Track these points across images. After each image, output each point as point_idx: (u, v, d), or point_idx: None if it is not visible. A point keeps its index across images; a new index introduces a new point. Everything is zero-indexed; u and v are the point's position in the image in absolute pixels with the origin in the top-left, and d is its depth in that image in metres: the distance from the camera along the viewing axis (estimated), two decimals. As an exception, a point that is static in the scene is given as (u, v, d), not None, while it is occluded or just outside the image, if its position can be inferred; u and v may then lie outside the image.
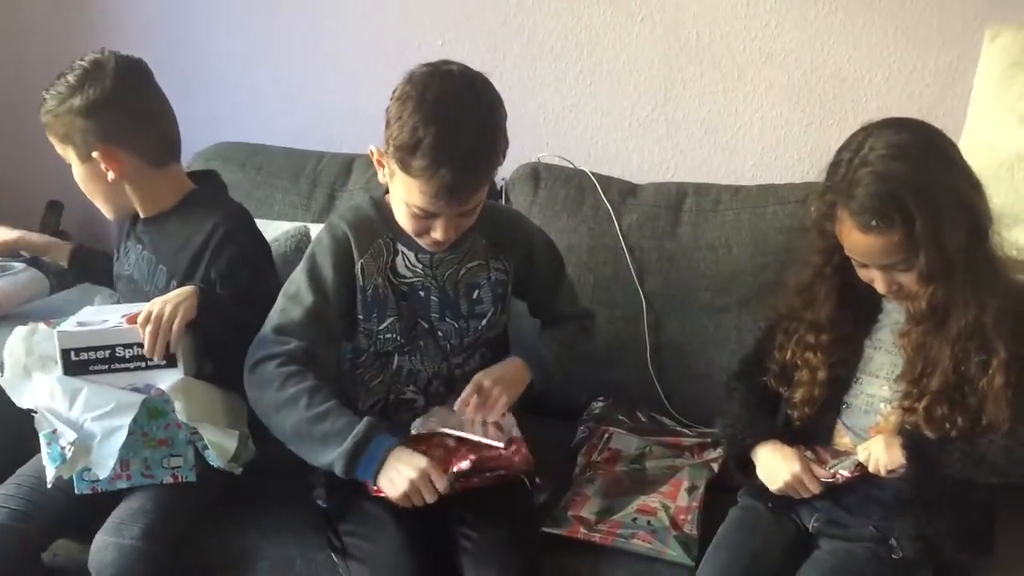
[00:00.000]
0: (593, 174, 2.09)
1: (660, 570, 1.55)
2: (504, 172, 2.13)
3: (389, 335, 1.60)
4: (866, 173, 1.36)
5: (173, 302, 1.52)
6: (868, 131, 1.41)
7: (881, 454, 1.42)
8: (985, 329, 1.40)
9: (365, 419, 1.46)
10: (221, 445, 1.52)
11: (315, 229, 2.01)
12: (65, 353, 1.51)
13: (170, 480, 1.56)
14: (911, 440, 1.42)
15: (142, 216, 1.70)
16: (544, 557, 1.54)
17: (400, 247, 1.60)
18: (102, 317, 1.55)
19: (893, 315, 1.52)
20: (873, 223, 1.35)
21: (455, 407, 1.57)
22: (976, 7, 2.04)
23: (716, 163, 2.25)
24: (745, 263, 1.97)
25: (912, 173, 1.34)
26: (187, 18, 2.47)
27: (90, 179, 1.64)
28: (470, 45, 2.30)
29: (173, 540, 1.53)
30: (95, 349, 1.51)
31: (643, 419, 1.95)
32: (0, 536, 1.52)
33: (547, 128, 2.32)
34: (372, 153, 1.53)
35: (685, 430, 1.93)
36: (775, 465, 1.51)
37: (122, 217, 1.73)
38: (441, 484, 1.42)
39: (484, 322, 1.64)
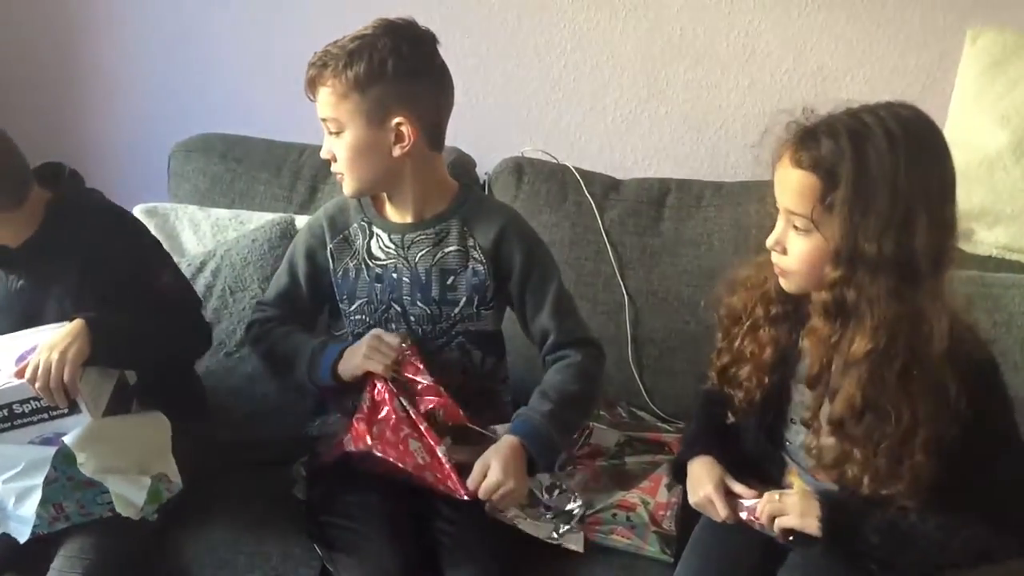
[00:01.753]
0: (576, 169, 2.09)
1: (639, 566, 1.56)
2: (487, 166, 2.14)
3: (359, 316, 1.65)
4: (847, 118, 1.27)
5: (60, 348, 1.39)
6: (892, 104, 1.28)
7: (794, 516, 1.35)
8: (891, 366, 1.25)
9: (321, 337, 1.65)
10: (125, 499, 1.41)
11: (300, 220, 2.02)
12: None
13: (108, 514, 1.44)
14: (831, 510, 1.33)
15: (11, 247, 1.53)
16: (523, 552, 1.54)
17: (376, 229, 1.63)
18: None
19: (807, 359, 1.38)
20: (802, 157, 1.27)
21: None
22: (957, 7, 2.05)
23: (699, 159, 2.26)
24: (727, 259, 1.95)
25: (875, 147, 1.22)
26: (170, 9, 2.45)
27: None
28: (455, 39, 2.29)
29: (121, 569, 1.46)
30: None
31: (623, 414, 1.96)
32: None
33: (531, 122, 2.32)
34: None
35: (665, 426, 1.93)
36: (695, 481, 1.48)
37: None
38: (393, 340, 1.55)
39: (457, 310, 1.62)
